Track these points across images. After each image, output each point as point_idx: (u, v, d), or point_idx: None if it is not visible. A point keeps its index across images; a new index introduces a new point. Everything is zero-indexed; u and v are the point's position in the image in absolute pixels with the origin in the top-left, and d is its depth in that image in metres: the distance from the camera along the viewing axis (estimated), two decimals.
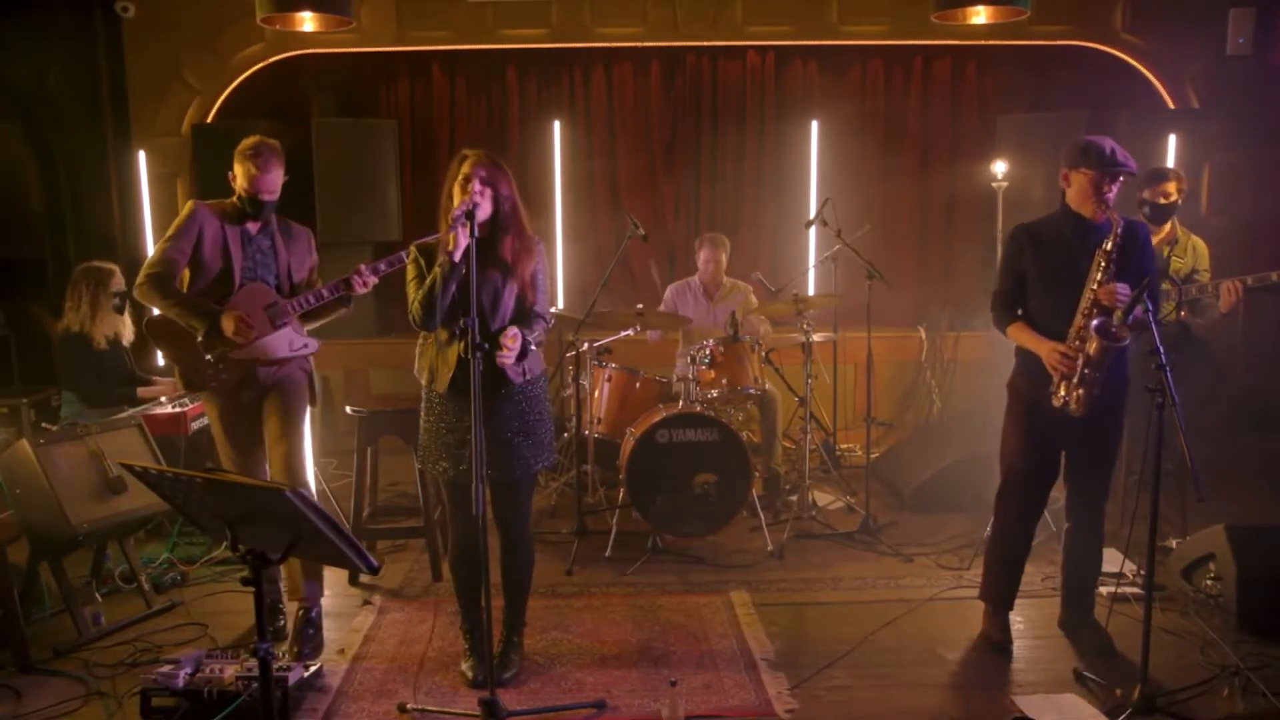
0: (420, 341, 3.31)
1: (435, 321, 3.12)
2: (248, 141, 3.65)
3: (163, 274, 3.58)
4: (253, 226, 3.70)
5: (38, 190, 6.34)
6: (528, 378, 3.27)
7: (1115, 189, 3.33)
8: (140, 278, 3.62)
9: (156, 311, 3.70)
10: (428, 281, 3.13)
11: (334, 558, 2.26)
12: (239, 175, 3.64)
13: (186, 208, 3.67)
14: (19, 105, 6.21)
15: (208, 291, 3.63)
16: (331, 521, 2.13)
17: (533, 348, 3.21)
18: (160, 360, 6.26)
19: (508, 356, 3.06)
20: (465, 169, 3.12)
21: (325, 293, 3.71)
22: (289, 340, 3.74)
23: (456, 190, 3.12)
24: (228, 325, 3.55)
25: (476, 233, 2.99)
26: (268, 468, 3.80)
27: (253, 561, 2.23)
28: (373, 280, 3.72)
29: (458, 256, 3.02)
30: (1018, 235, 3.53)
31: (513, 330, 3.09)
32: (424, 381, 3.30)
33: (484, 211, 3.11)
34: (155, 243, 6.33)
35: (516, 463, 3.25)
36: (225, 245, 3.62)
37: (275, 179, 3.64)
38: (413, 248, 3.29)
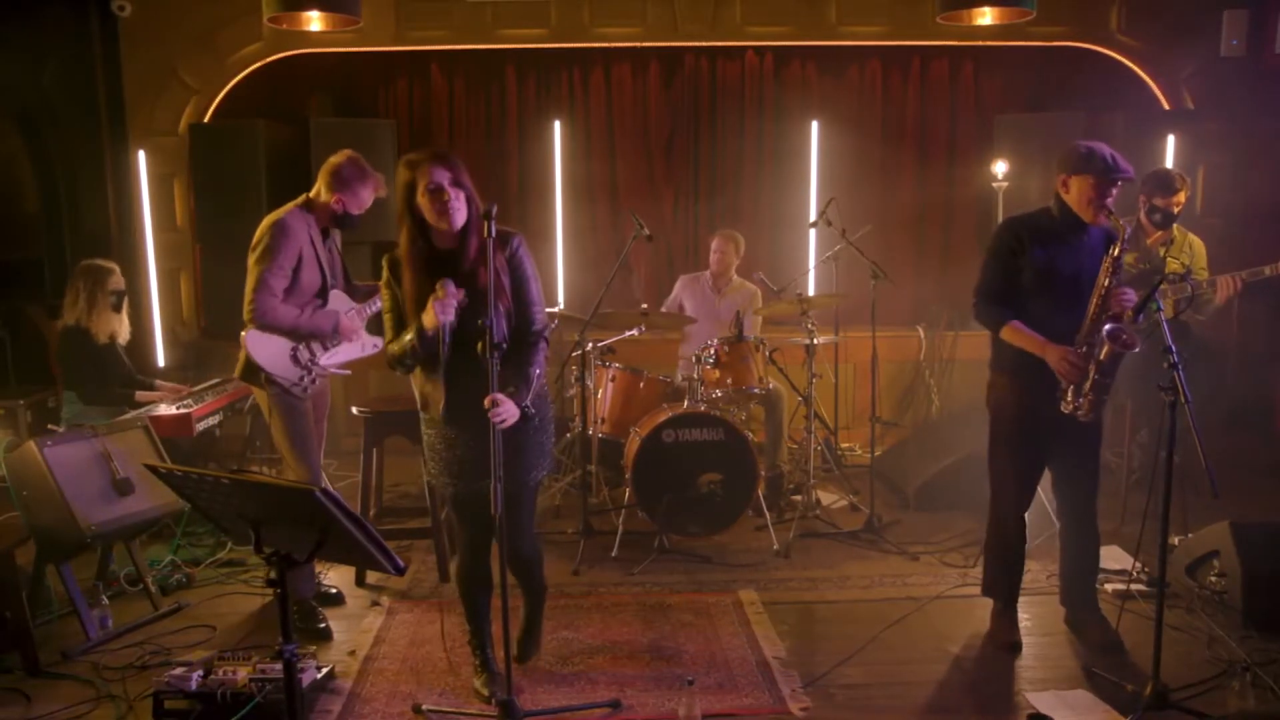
0: None
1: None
2: (353, 157, 3.72)
3: (272, 298, 3.58)
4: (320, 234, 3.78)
5: (33, 190, 6.30)
6: (532, 400, 3.02)
7: (1114, 194, 3.37)
8: (252, 307, 3.57)
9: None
10: (404, 343, 2.90)
11: (360, 558, 2.26)
12: (360, 195, 3.69)
13: (275, 226, 3.59)
14: (15, 104, 6.16)
15: (309, 304, 3.72)
16: (360, 522, 2.12)
17: (537, 372, 2.96)
18: (161, 362, 6.24)
19: (503, 415, 2.82)
20: (424, 178, 2.80)
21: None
22: (361, 343, 3.90)
23: (426, 202, 2.82)
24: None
25: (477, 241, 2.89)
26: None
27: (278, 563, 2.22)
28: None
29: (431, 331, 2.82)
30: (1013, 229, 3.47)
31: (498, 396, 2.81)
32: (419, 405, 3.13)
33: (461, 219, 2.86)
34: (154, 234, 6.34)
35: (518, 474, 3.07)
36: (318, 257, 3.70)
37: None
38: (384, 267, 2.99)
